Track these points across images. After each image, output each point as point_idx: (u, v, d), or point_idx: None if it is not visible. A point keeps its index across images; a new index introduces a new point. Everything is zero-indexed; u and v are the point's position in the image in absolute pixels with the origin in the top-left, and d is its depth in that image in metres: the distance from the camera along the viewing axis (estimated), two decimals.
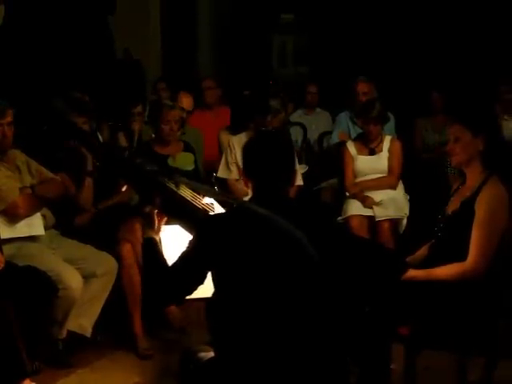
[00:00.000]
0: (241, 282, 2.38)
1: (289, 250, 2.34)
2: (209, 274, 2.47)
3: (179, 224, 2.80)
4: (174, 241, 2.78)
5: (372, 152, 5.18)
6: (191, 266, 2.45)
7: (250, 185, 2.52)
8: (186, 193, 2.88)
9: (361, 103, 5.48)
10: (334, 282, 2.42)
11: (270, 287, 2.36)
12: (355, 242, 2.74)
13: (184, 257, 2.45)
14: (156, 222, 2.71)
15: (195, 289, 2.48)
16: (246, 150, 2.52)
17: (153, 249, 2.61)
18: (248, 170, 2.51)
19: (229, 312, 2.42)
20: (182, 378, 2.70)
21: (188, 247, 2.46)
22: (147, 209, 2.74)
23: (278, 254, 2.36)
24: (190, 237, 2.60)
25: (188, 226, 2.72)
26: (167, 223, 2.83)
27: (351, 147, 5.22)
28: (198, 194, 3.02)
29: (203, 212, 2.82)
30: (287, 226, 2.29)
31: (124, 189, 4.32)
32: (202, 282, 2.47)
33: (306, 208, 2.57)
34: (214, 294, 2.49)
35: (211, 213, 2.87)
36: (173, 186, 2.87)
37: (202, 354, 2.57)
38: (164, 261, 2.55)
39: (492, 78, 6.69)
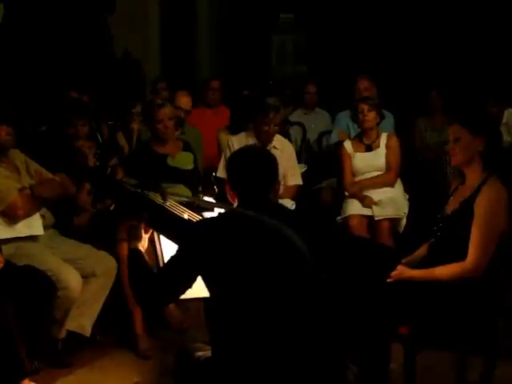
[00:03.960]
0: (234, 283, 2.40)
1: (280, 250, 2.36)
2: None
3: (166, 237, 2.82)
4: (172, 244, 2.80)
5: (368, 148, 5.17)
6: (178, 269, 2.49)
7: (235, 198, 2.61)
8: (173, 204, 2.90)
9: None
10: (328, 282, 2.42)
11: (263, 287, 2.37)
12: (347, 241, 2.76)
13: (172, 261, 2.50)
14: (142, 233, 2.76)
15: (182, 292, 2.52)
16: (229, 164, 2.67)
17: (138, 259, 2.66)
18: (232, 183, 2.61)
19: (226, 312, 2.43)
20: (178, 377, 2.70)
21: (176, 251, 2.52)
22: (134, 222, 2.77)
23: (269, 255, 2.38)
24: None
25: (175, 238, 2.75)
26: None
27: (348, 145, 5.22)
28: (190, 205, 3.03)
29: (191, 223, 2.84)
30: (275, 225, 2.33)
31: (112, 208, 4.32)
32: (189, 286, 2.51)
33: (297, 209, 2.61)
34: (211, 296, 2.50)
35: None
36: (159, 199, 2.89)
37: (200, 353, 2.58)
38: (149, 269, 2.61)
39: (490, 79, 6.74)
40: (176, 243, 2.71)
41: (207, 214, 3.02)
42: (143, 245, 2.75)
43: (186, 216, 2.84)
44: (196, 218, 2.85)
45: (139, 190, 2.91)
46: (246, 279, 2.38)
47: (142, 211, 2.77)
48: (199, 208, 3.06)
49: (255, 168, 2.57)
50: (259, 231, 2.38)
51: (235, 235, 2.43)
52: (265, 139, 4.92)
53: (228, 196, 2.64)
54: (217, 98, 6.40)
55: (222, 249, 2.42)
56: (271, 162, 2.62)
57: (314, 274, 2.37)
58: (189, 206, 3.02)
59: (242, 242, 2.41)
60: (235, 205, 2.59)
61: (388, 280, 3.10)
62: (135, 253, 2.69)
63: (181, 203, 2.97)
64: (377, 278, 2.80)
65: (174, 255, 2.51)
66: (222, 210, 2.83)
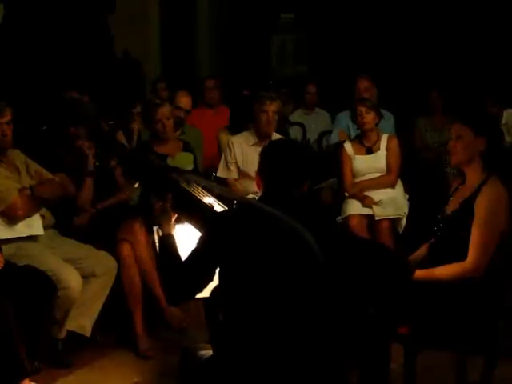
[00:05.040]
0: (245, 279, 2.40)
1: (294, 248, 2.35)
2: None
3: (189, 221, 2.81)
4: (186, 238, 2.78)
5: (369, 151, 5.17)
6: (201, 262, 2.48)
7: (261, 185, 2.59)
8: (196, 191, 2.90)
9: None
10: (338, 283, 2.42)
11: (273, 285, 2.37)
12: (360, 244, 2.75)
13: (194, 254, 2.49)
14: (172, 216, 2.75)
15: (206, 285, 2.52)
16: (264, 152, 2.60)
17: (171, 245, 2.63)
18: (261, 172, 2.59)
19: (230, 310, 2.43)
20: (181, 377, 2.70)
21: (198, 244, 2.50)
22: (158, 205, 2.76)
23: (283, 251, 2.38)
24: (199, 234, 2.62)
25: (198, 224, 2.74)
26: (177, 221, 2.84)
27: (348, 147, 5.21)
28: (209, 191, 3.03)
29: (213, 210, 2.84)
30: (293, 224, 2.32)
31: (136, 185, 4.31)
32: (212, 279, 2.50)
33: (311, 210, 2.59)
34: (212, 293, 2.51)
35: (219, 210, 2.88)
36: (184, 184, 2.89)
37: (202, 353, 2.59)
38: (180, 259, 2.57)
39: (488, 80, 6.74)
40: (197, 228, 2.70)
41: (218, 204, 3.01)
42: (173, 228, 2.73)
43: (208, 202, 2.84)
44: (218, 204, 2.85)
45: (165, 171, 2.91)
46: (256, 275, 2.38)
47: (167, 191, 2.76)
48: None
49: (288, 163, 2.52)
50: (274, 229, 2.37)
51: (250, 231, 2.43)
52: (264, 131, 4.88)
53: (238, 190, 2.62)
54: (215, 97, 6.39)
55: (237, 244, 2.42)
56: (306, 160, 2.58)
57: (324, 275, 2.36)
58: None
59: (256, 239, 2.41)
60: (257, 195, 2.57)
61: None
62: (168, 238, 2.66)
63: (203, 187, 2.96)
64: (385, 281, 2.79)
65: (197, 247, 2.49)
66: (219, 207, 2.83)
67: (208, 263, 2.47)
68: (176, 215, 2.78)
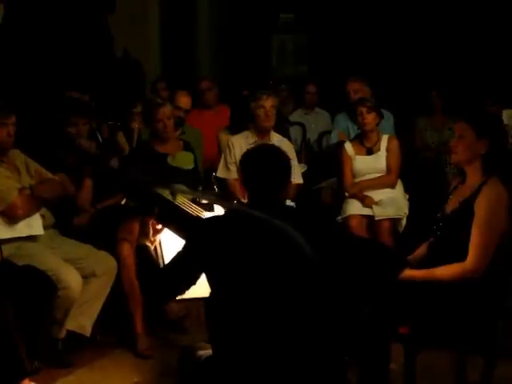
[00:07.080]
0: (237, 282, 2.41)
1: (285, 250, 2.36)
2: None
3: (175, 233, 2.83)
4: (174, 243, 2.80)
5: (369, 152, 5.17)
6: (183, 266, 2.51)
7: (246, 195, 2.61)
8: (182, 201, 2.92)
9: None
10: (333, 282, 2.43)
11: (266, 287, 2.38)
12: (354, 242, 2.75)
13: (177, 258, 2.52)
14: (151, 230, 2.76)
15: (187, 289, 2.55)
16: (242, 162, 2.63)
17: (146, 255, 2.67)
18: (244, 181, 2.61)
19: (227, 311, 2.43)
20: (180, 376, 2.71)
21: (182, 249, 2.53)
22: (145, 218, 2.79)
23: (273, 254, 2.39)
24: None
25: (184, 235, 2.75)
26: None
27: (349, 147, 5.21)
28: (195, 200, 3.05)
29: (199, 219, 2.86)
30: (282, 227, 2.33)
31: (123, 202, 4.32)
32: (193, 283, 2.53)
33: (303, 209, 2.61)
34: (212, 293, 2.51)
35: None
36: (169, 196, 2.91)
37: (201, 352, 2.59)
38: (156, 266, 2.61)
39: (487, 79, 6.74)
40: (184, 239, 2.71)
41: (214, 212, 3.02)
42: (151, 240, 2.75)
43: (194, 212, 2.86)
44: (203, 214, 2.86)
45: (150, 186, 2.93)
46: (249, 278, 2.39)
47: (154, 206, 2.78)
48: (203, 204, 3.07)
49: (267, 169, 2.54)
50: (264, 232, 2.38)
51: (240, 235, 2.44)
52: (264, 126, 4.87)
53: (238, 190, 2.63)
54: (211, 98, 6.34)
55: (226, 247, 2.43)
56: (284, 163, 2.60)
57: (318, 276, 2.37)
58: (194, 202, 3.03)
59: (246, 242, 2.42)
60: (244, 201, 2.59)
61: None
62: (142, 249, 2.69)
63: (191, 200, 2.98)
64: (377, 276, 2.79)
65: (180, 251, 2.51)
66: (221, 209, 2.84)
67: (190, 267, 2.50)
68: (161, 227, 2.80)
